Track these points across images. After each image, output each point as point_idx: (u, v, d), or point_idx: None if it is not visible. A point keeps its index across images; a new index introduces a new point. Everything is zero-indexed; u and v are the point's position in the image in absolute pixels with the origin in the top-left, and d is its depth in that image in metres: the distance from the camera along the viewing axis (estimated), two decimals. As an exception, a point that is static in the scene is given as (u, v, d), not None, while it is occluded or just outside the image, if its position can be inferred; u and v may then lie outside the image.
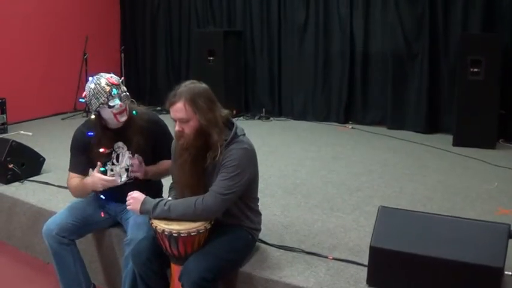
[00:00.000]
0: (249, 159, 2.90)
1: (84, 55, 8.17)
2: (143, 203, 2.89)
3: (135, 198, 2.92)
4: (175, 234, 2.75)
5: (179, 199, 2.91)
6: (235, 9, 8.45)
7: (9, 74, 7.46)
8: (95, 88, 3.17)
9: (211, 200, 2.81)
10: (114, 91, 3.18)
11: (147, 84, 9.40)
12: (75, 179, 3.36)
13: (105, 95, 3.15)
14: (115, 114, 3.20)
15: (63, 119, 7.94)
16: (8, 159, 4.64)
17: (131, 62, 9.51)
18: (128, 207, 2.96)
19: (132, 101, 3.34)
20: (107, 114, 3.21)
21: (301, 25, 7.77)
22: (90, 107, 3.23)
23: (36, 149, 5.05)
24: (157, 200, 2.90)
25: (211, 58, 7.84)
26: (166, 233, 2.76)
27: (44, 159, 5.02)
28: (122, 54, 9.25)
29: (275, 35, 8.09)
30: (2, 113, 6.88)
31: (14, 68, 7.59)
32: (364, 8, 7.28)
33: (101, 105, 3.16)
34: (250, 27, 8.32)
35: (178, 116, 2.84)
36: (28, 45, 7.81)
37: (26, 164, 4.81)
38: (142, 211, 2.89)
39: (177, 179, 3.05)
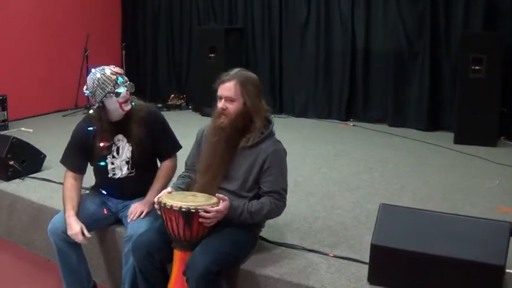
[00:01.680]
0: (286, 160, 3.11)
1: (85, 52, 8.16)
2: (228, 214, 2.86)
3: (223, 212, 2.84)
4: (193, 210, 2.75)
5: (252, 208, 2.92)
6: (236, 6, 8.44)
7: (10, 71, 7.45)
8: (100, 78, 3.16)
9: (273, 203, 2.97)
10: (120, 79, 3.21)
11: (148, 81, 9.39)
12: (69, 182, 3.37)
13: (112, 84, 3.16)
14: (120, 103, 3.20)
15: (64, 115, 7.93)
16: (9, 156, 4.63)
17: (132, 59, 9.49)
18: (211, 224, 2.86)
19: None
20: (112, 103, 3.20)
21: (302, 23, 7.76)
22: (94, 99, 3.21)
23: (37, 146, 5.04)
24: (239, 210, 2.89)
25: (212, 55, 7.84)
26: (184, 209, 2.75)
27: (44, 156, 5.02)
28: (123, 51, 9.24)
29: (276, 32, 8.08)
30: (3, 110, 6.88)
31: (15, 65, 7.58)
32: (365, 6, 7.28)
33: (107, 95, 3.16)
34: (252, 25, 8.31)
35: (226, 94, 2.96)
36: (29, 42, 7.81)
37: (27, 160, 4.80)
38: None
39: (203, 160, 3.07)
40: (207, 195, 2.93)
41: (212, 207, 2.79)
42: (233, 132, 2.97)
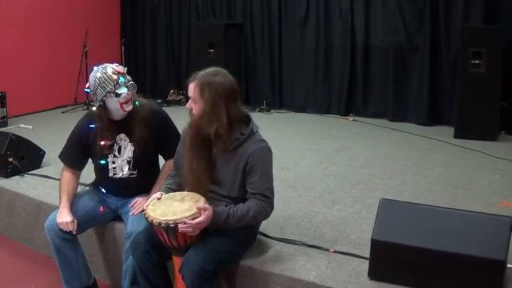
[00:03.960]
0: (271, 157, 3.03)
1: (85, 48, 8.15)
2: (212, 220, 2.81)
3: (205, 222, 2.78)
4: (172, 225, 2.72)
5: (238, 212, 2.87)
6: (235, 1, 8.42)
7: (9, 68, 7.44)
8: (101, 77, 3.12)
9: (259, 205, 2.90)
10: (121, 79, 3.16)
11: (147, 77, 9.38)
12: (67, 176, 3.38)
13: (112, 84, 3.12)
14: (121, 104, 3.17)
15: (63, 112, 7.92)
16: (8, 152, 4.62)
17: (131, 54, 9.48)
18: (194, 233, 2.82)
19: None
20: (113, 103, 3.17)
21: (301, 17, 7.74)
22: (95, 98, 3.18)
23: (36, 143, 5.03)
24: (224, 215, 2.83)
25: (211, 51, 7.82)
26: (163, 225, 2.73)
27: (44, 153, 5.00)
28: (122, 47, 9.22)
29: (276, 27, 8.06)
30: (2, 107, 6.86)
31: (14, 62, 7.56)
32: (364, 0, 7.25)
33: (107, 94, 3.12)
34: (251, 20, 8.29)
35: (190, 95, 2.92)
36: (28, 39, 7.79)
37: (26, 157, 4.79)
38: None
39: (183, 164, 3.04)
40: (197, 196, 2.89)
41: (193, 218, 2.73)
42: (199, 133, 2.91)
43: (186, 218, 2.73)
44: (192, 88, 2.89)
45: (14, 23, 7.57)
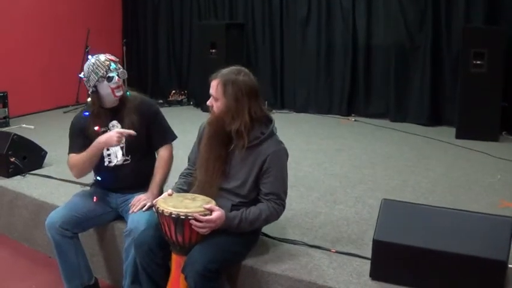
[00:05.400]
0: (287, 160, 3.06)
1: (86, 48, 8.14)
2: (224, 225, 2.83)
3: (215, 221, 2.79)
4: (183, 217, 2.73)
5: (250, 215, 2.89)
6: (236, 1, 8.42)
7: (11, 68, 7.44)
8: (94, 63, 3.31)
9: (271, 207, 2.93)
10: (113, 65, 3.34)
11: (149, 77, 9.38)
12: (75, 155, 3.38)
13: (104, 69, 3.29)
14: (112, 89, 3.31)
15: (65, 112, 7.91)
16: (10, 152, 4.62)
17: (133, 55, 9.47)
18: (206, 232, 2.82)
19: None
20: (104, 89, 3.31)
21: (303, 17, 7.74)
22: (88, 84, 3.34)
23: (38, 143, 5.03)
24: (237, 220, 2.85)
25: (213, 51, 7.82)
26: (173, 215, 2.73)
27: (45, 153, 5.01)
28: (124, 47, 9.21)
29: (277, 27, 8.06)
30: (4, 107, 6.86)
31: (15, 62, 7.57)
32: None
33: (100, 79, 3.28)
34: (252, 20, 8.29)
35: (211, 92, 2.96)
36: (30, 39, 7.79)
37: (28, 157, 4.79)
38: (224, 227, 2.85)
39: (200, 155, 3.07)
40: (208, 199, 2.90)
41: (204, 215, 2.75)
42: (219, 129, 2.94)
43: (198, 213, 2.75)
44: (214, 85, 2.92)
45: (16, 23, 7.57)
